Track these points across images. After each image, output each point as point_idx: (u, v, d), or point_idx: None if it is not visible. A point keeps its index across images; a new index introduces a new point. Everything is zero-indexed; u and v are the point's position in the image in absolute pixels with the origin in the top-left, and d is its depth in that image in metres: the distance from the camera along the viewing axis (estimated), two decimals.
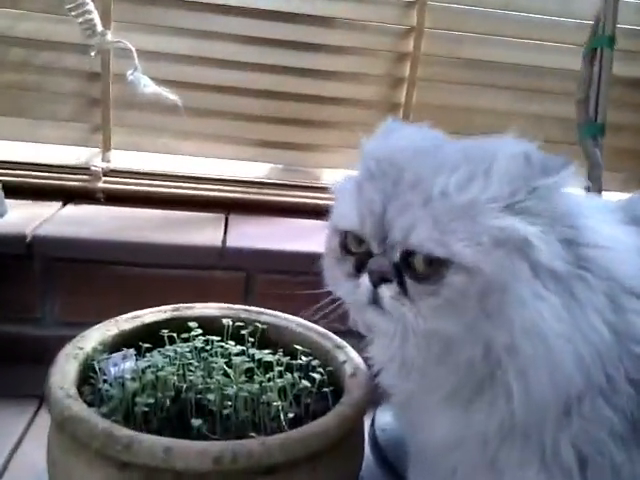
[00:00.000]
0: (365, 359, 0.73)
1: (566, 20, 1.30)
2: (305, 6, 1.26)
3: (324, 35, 1.29)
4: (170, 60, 1.26)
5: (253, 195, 1.30)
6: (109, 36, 1.14)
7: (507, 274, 0.51)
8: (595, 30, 0.96)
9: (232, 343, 0.80)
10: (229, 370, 0.74)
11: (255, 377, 0.73)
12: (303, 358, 0.79)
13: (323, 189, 1.36)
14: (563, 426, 0.55)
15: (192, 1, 1.23)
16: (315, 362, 0.78)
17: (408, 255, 0.54)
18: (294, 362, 0.77)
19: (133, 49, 1.15)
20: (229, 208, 1.28)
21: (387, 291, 0.54)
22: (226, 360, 0.76)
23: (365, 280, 0.55)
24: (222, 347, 0.78)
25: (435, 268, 0.52)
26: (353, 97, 1.32)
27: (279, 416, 0.70)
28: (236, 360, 0.74)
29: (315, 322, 0.84)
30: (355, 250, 0.58)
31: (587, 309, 0.52)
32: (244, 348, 0.79)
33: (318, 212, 1.25)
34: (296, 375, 0.75)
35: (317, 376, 0.74)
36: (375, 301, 0.55)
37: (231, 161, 1.34)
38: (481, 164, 0.53)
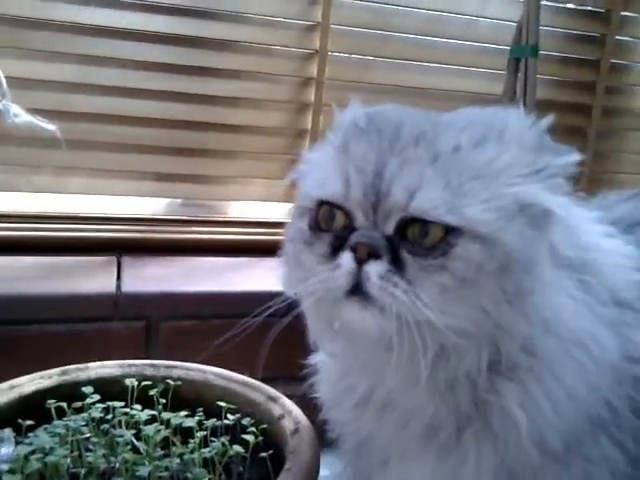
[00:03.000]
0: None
1: (482, 45, 1.23)
2: (202, 29, 1.15)
3: (223, 60, 1.18)
4: (49, 88, 1.11)
5: (149, 234, 1.15)
6: None
7: (531, 249, 0.42)
8: (518, 39, 0.93)
9: (139, 408, 0.65)
10: (139, 443, 0.59)
11: (173, 448, 0.59)
12: (229, 417, 0.65)
13: (229, 223, 1.27)
14: (562, 470, 0.46)
15: (75, 24, 1.09)
16: (245, 420, 0.65)
17: (406, 225, 0.43)
18: (219, 423, 0.64)
19: (1, 74, 0.99)
20: (121, 249, 1.12)
21: (375, 268, 0.42)
22: (134, 431, 0.61)
23: (346, 258, 0.43)
24: (127, 414, 0.63)
25: (440, 237, 0.42)
26: (256, 124, 1.21)
27: None
28: (148, 430, 0.59)
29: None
30: (329, 227, 0.46)
31: (595, 318, 0.44)
32: (155, 413, 0.65)
33: (225, 249, 1.16)
34: (224, 440, 0.61)
35: (251, 438, 0.61)
36: (357, 288, 0.43)
37: (123, 197, 1.19)
38: (491, 127, 0.45)
